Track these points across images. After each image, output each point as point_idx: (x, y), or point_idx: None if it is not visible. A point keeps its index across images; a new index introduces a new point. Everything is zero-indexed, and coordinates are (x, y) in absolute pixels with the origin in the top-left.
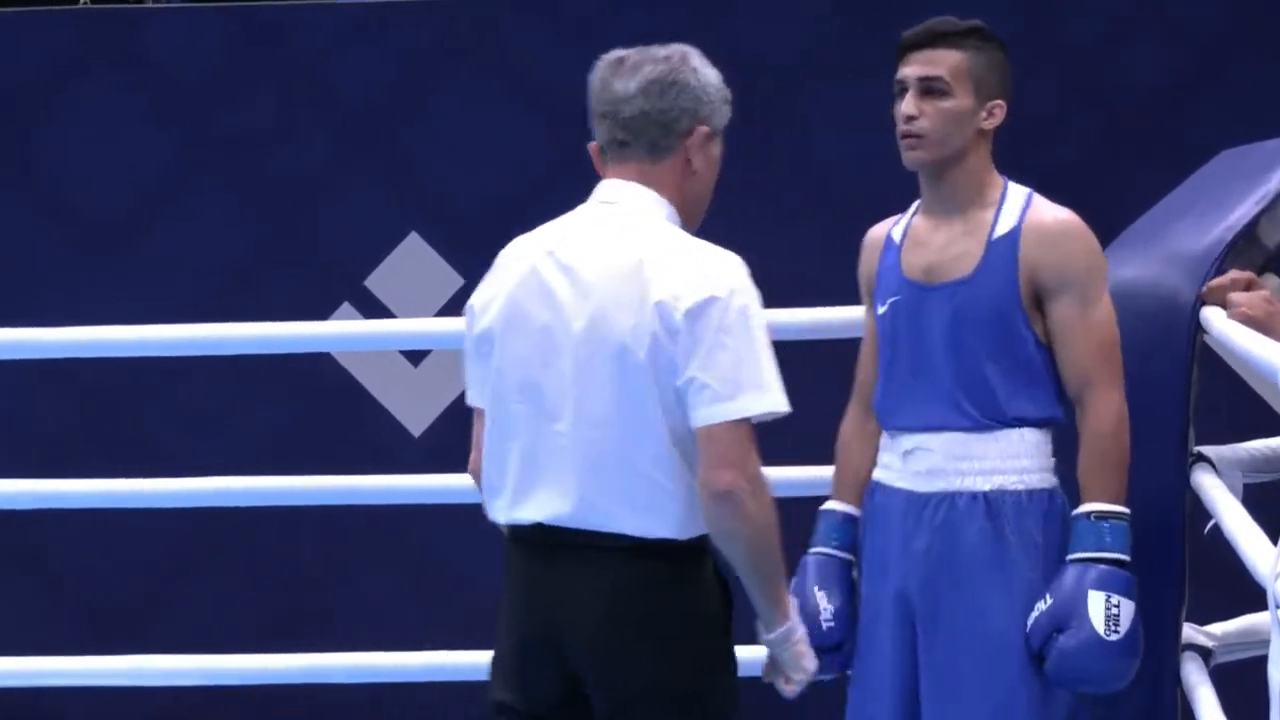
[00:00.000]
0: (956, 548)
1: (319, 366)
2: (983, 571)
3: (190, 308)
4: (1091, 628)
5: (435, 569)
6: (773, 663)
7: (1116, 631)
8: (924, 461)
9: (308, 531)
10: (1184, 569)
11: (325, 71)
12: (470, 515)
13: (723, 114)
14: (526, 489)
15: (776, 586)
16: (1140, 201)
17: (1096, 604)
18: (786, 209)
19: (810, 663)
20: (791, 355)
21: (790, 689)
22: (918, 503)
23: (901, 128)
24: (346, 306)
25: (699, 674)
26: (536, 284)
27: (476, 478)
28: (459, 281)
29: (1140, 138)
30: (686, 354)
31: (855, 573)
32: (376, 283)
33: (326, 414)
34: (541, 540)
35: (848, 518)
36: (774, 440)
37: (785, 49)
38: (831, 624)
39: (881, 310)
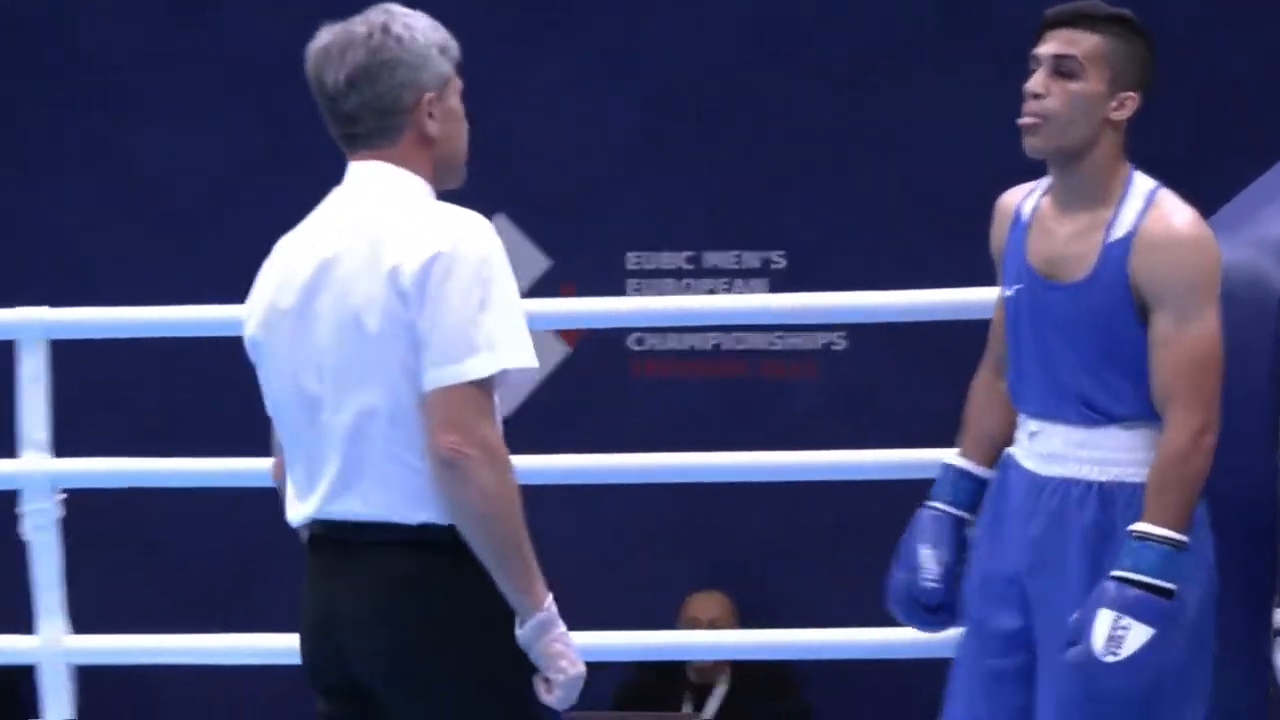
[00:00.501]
0: (1066, 537)
1: None
2: (1087, 566)
3: None
4: (1090, 644)
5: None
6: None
7: (1115, 654)
8: (1045, 445)
9: None
10: (1275, 554)
11: None
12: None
13: (442, 64)
14: (309, 486)
15: (524, 571)
16: (1226, 191)
17: (1104, 622)
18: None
19: (571, 664)
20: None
21: (552, 698)
22: (1037, 485)
23: (1026, 105)
24: None
25: (485, 677)
26: (287, 280)
27: (280, 483)
28: (545, 263)
29: (1228, 127)
30: (417, 316)
31: (968, 530)
32: None
33: None
34: (322, 536)
35: (964, 473)
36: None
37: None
38: (935, 585)
39: (1008, 294)
